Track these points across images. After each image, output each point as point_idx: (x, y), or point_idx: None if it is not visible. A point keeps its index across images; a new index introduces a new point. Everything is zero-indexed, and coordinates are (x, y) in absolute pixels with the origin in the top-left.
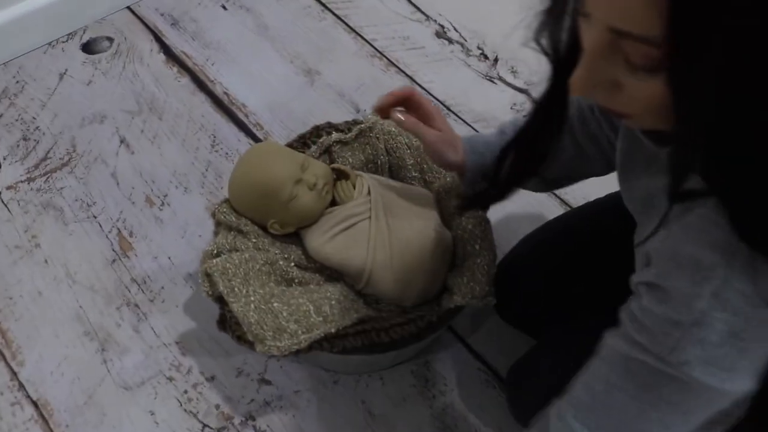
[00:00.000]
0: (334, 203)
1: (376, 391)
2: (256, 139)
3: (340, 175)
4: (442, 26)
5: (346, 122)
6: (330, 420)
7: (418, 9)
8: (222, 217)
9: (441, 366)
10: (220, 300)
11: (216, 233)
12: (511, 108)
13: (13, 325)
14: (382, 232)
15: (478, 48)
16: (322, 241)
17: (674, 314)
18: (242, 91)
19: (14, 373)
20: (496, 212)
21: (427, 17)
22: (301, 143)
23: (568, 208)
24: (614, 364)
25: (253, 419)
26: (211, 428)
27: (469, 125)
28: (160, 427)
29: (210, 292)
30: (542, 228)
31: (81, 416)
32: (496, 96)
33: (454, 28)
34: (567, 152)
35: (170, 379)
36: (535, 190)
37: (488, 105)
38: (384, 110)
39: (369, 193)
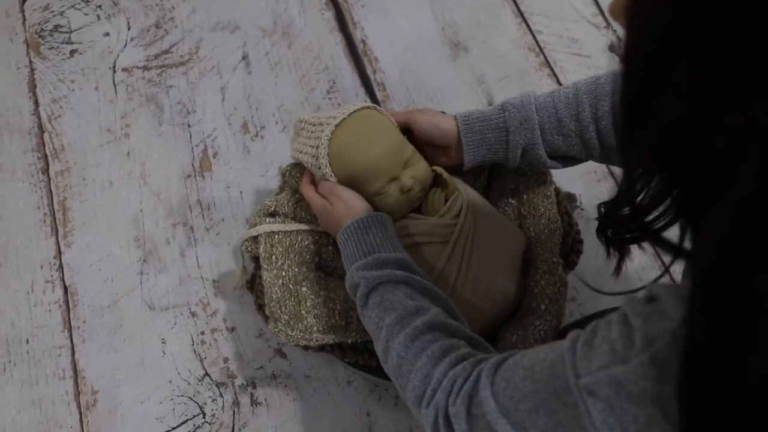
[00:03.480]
0: (419, 208)
1: (387, 408)
2: (373, 99)
3: (437, 181)
4: (620, 40)
5: None
6: (328, 420)
7: (601, 12)
8: (292, 180)
9: None
10: (256, 260)
11: (280, 190)
12: None
13: (76, 205)
14: (452, 269)
15: None
16: None
17: (619, 347)
18: (380, 44)
19: (60, 252)
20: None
21: (608, 25)
22: None
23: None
24: (548, 355)
25: (254, 387)
26: (212, 380)
27: None
28: (166, 358)
29: (249, 249)
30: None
31: (100, 317)
32: None
33: None
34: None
35: (193, 314)
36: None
37: None
38: None
39: (458, 215)
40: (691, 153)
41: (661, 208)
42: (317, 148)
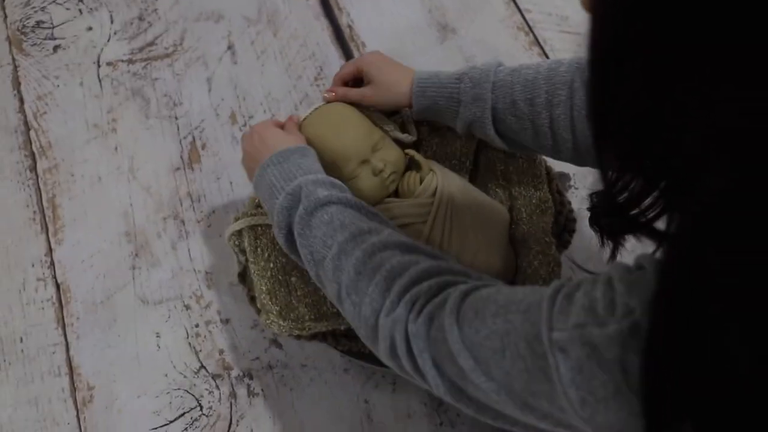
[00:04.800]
0: (396, 193)
1: (385, 394)
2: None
3: (411, 164)
4: None
5: None
6: (325, 409)
7: None
8: None
9: None
10: (245, 253)
11: None
12: None
13: (66, 202)
14: (434, 247)
15: None
16: None
17: (599, 308)
18: (367, 29)
19: (50, 250)
20: (578, 251)
21: None
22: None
23: None
24: (526, 298)
25: (251, 378)
26: (207, 372)
27: None
28: (161, 352)
29: (236, 242)
30: None
31: (93, 314)
32: None
33: None
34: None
35: (187, 307)
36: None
37: None
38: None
39: (435, 193)
40: (650, 130)
41: (647, 202)
42: None
